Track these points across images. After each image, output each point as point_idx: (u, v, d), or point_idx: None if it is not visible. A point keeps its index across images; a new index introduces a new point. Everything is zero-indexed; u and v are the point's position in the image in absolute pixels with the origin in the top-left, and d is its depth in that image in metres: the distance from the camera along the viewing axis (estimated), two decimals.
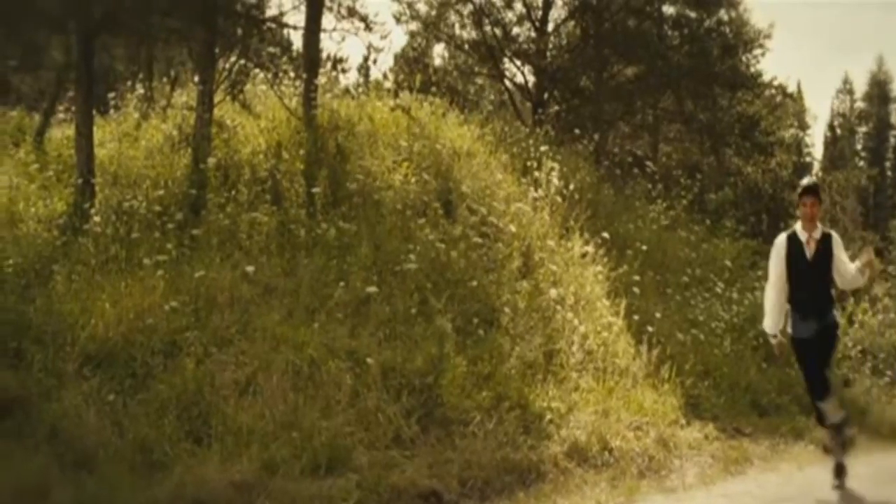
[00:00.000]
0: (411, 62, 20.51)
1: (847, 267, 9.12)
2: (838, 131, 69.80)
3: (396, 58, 20.65)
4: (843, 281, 9.26)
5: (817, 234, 9.05)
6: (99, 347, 8.93)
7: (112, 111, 15.74)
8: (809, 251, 9.01)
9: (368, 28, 14.33)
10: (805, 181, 9.39)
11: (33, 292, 9.77)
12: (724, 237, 17.67)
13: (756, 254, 17.87)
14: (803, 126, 44.51)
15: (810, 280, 9.06)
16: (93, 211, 11.49)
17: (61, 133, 14.95)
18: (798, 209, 9.29)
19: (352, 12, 14.40)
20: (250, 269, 10.20)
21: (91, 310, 9.34)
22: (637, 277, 13.32)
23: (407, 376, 9.38)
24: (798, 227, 9.15)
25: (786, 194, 23.87)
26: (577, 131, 18.57)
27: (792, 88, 32.44)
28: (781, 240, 9.22)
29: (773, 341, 9.48)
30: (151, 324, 9.19)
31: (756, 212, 20.84)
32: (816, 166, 51.43)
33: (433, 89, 16.91)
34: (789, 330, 9.22)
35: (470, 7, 21.27)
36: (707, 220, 17.78)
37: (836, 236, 9.21)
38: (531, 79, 22.61)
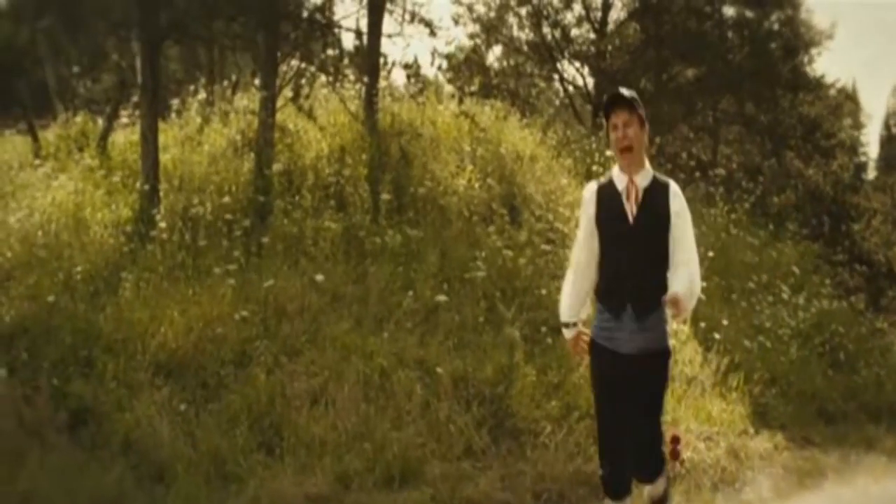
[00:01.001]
0: (471, 65, 20.42)
1: (689, 254, 5.79)
2: (894, 130, 68.95)
3: (450, 58, 20.52)
4: (679, 277, 5.65)
5: (643, 181, 5.86)
6: (169, 357, 8.93)
7: (174, 115, 15.75)
8: (630, 207, 5.82)
9: (433, 33, 14.25)
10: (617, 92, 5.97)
11: (102, 300, 9.77)
12: (786, 240, 17.42)
13: (819, 258, 17.67)
14: (858, 125, 43.96)
15: (631, 256, 5.81)
16: (158, 217, 11.50)
17: (124, 138, 14.96)
18: (608, 136, 5.96)
19: (415, 17, 14.32)
20: (319, 277, 10.13)
21: (160, 318, 9.33)
22: (708, 285, 13.14)
23: (477, 386, 9.28)
24: (615, 170, 5.96)
25: (847, 196, 23.58)
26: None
27: (847, 86, 32.10)
28: (590, 191, 6.00)
29: (566, 334, 6.22)
30: (221, 333, 9.16)
31: (817, 214, 20.54)
32: (871, 165, 50.68)
33: (493, 92, 16.78)
34: (595, 334, 6.11)
35: (528, 8, 21.11)
36: (769, 224, 17.52)
37: (676, 189, 5.91)
38: (590, 81, 22.49)
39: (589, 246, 5.98)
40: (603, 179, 5.98)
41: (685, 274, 5.63)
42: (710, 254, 14.07)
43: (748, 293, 14.43)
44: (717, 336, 12.14)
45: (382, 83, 15.05)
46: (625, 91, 5.83)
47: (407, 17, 14.06)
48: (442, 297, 10.33)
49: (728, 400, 11.24)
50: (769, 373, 12.37)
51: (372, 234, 11.60)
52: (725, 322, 12.77)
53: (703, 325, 12.31)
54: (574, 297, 6.11)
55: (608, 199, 5.85)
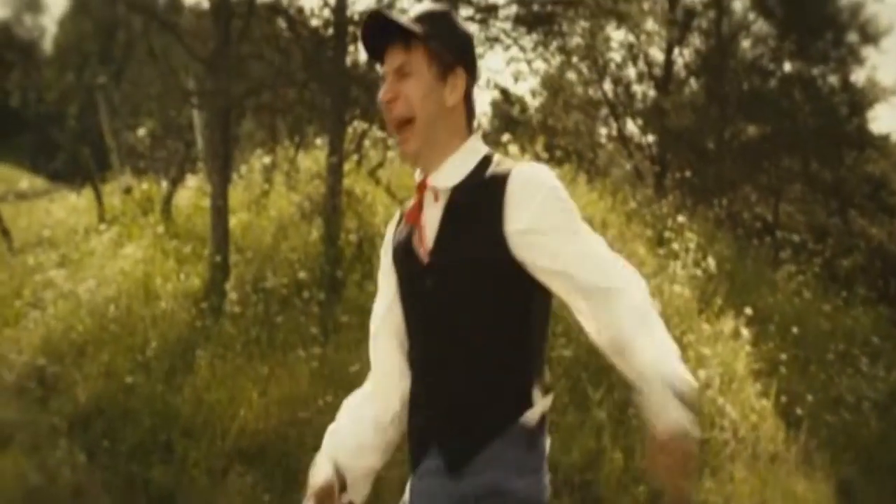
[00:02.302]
0: (536, 124, 20.22)
1: (604, 270, 2.82)
2: None
3: (514, 119, 20.32)
4: (621, 325, 2.77)
5: (446, 180, 2.97)
6: (250, 442, 8.70)
7: (236, 176, 15.60)
8: (420, 237, 2.99)
9: (508, 101, 14.06)
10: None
11: (178, 379, 9.56)
12: (857, 305, 17.05)
13: (893, 323, 17.29)
14: None
15: (430, 337, 3.00)
16: (228, 287, 11.30)
17: (187, 200, 14.82)
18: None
19: (489, 82, 14.14)
20: None
21: (239, 399, 9.11)
22: (783, 356, 12.82)
23: (565, 471, 9.01)
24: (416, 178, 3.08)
25: None
26: (707, 196, 18.18)
27: None
28: (393, 221, 3.26)
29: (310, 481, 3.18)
30: (304, 417, 8.90)
31: (884, 275, 20.15)
32: None
33: (558, 153, 16.55)
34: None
35: (589, 63, 20.93)
36: (841, 289, 17.15)
37: (528, 177, 2.88)
38: (653, 139, 22.23)
39: (389, 327, 3.20)
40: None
41: (625, 310, 2.75)
42: (786, 323, 13.80)
43: (826, 364, 14.08)
44: (799, 411, 11.89)
45: None
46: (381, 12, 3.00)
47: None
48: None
49: (813, 479, 10.97)
50: (851, 448, 12.11)
51: None
52: (808, 396, 12.46)
53: (783, 399, 12.04)
54: (355, 421, 3.38)
55: (401, 230, 3.13)
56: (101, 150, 19.15)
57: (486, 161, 2.99)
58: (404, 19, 2.97)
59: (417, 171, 3.06)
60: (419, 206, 3.00)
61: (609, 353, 2.92)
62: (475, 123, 3.10)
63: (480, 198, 2.88)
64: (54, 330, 10.73)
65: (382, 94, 2.97)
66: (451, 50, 2.99)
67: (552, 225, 2.81)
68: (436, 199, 2.96)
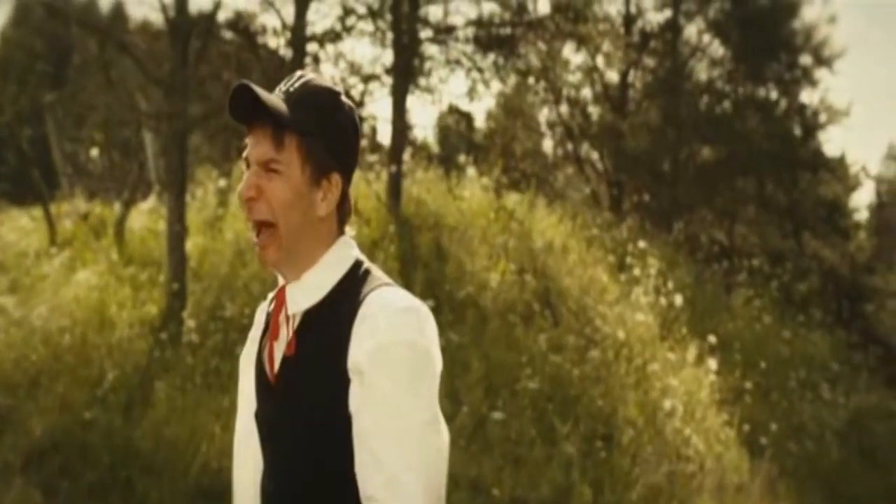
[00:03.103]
0: (492, 147, 20.02)
1: (393, 475, 2.22)
2: (883, 197, 68.96)
3: (470, 141, 20.09)
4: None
5: (304, 298, 2.46)
6: (213, 479, 8.44)
7: (189, 198, 15.31)
8: (269, 357, 2.51)
9: (470, 126, 13.90)
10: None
11: (137, 412, 9.29)
12: (814, 329, 17.05)
13: (851, 347, 17.34)
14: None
15: (265, 444, 2.55)
16: (185, 315, 11.03)
17: (140, 223, 14.51)
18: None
19: (451, 108, 13.99)
20: None
21: (200, 434, 8.85)
22: (748, 384, 12.76)
23: None
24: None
25: (864, 280, 23.27)
26: (665, 220, 18.13)
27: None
28: (257, 319, 2.70)
29: None
30: None
31: (837, 298, 20.22)
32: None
33: (516, 175, 16.43)
34: None
35: (544, 83, 20.83)
36: (797, 313, 17.14)
37: (381, 311, 2.31)
38: (609, 161, 22.14)
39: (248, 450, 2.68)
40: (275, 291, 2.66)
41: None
42: (746, 349, 13.75)
43: (788, 391, 14.04)
44: (763, 440, 11.84)
45: (404, 167, 14.67)
46: (288, 81, 2.50)
47: (436, 102, 13.65)
48: (497, 414, 9.84)
49: None
50: (813, 477, 12.10)
51: None
52: (770, 424, 12.40)
53: (746, 427, 11.97)
54: None
55: (261, 331, 2.69)
56: (49, 169, 18.76)
57: (348, 277, 2.49)
58: (277, 100, 2.40)
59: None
60: (276, 319, 2.53)
61: None
62: (346, 227, 2.56)
63: (331, 323, 2.42)
64: (6, 359, 10.40)
65: (243, 187, 2.41)
66: (331, 150, 2.45)
67: (379, 375, 2.29)
68: (287, 318, 2.49)
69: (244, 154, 2.44)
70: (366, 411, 2.27)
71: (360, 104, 13.79)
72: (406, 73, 14.35)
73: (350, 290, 2.44)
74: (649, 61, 23.17)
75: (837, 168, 24.60)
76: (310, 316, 2.45)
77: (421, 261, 12.80)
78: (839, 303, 19.64)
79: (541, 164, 22.30)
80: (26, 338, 10.78)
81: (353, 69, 13.74)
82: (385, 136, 16.92)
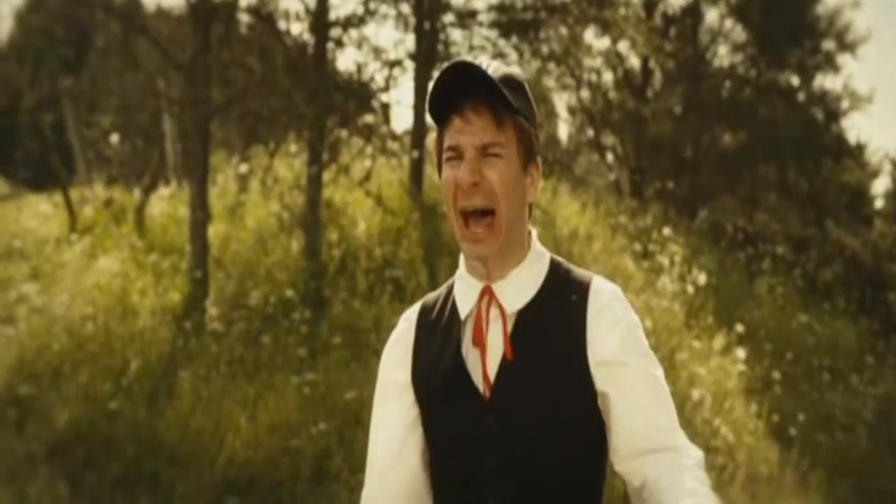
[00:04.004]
0: None
1: (676, 447, 2.31)
2: None
3: None
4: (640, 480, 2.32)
5: (517, 297, 2.37)
6: (239, 471, 8.33)
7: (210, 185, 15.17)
8: (482, 363, 2.35)
9: None
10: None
11: (161, 402, 9.17)
12: (839, 318, 16.86)
13: (876, 335, 17.15)
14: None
15: (484, 474, 2.35)
16: (208, 303, 10.92)
17: (160, 210, 14.37)
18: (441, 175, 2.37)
19: None
20: None
21: (225, 425, 8.72)
22: (776, 375, 12.60)
23: None
24: (460, 271, 2.48)
25: (887, 266, 23.04)
26: (688, 207, 17.98)
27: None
28: (403, 326, 2.53)
29: None
30: (296, 445, 8.53)
31: (860, 286, 19.99)
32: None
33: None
34: None
35: (564, 68, 20.60)
36: (821, 301, 16.97)
37: (609, 298, 2.40)
38: (630, 148, 21.93)
39: (400, 461, 2.48)
40: (434, 295, 2.57)
41: (685, 483, 2.24)
42: (773, 337, 13.61)
43: (815, 381, 13.88)
44: (792, 431, 11.70)
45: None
46: (482, 62, 2.33)
47: None
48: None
49: (808, 501, 10.80)
50: (843, 467, 11.95)
51: None
52: (799, 415, 12.24)
53: (775, 418, 11.83)
54: None
55: (438, 341, 2.45)
56: (67, 155, 18.65)
57: (553, 272, 2.43)
58: (489, 69, 2.29)
59: (467, 265, 2.44)
60: (483, 322, 2.36)
61: None
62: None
63: (556, 320, 2.35)
64: (28, 348, 10.30)
65: (466, 173, 2.27)
66: (535, 132, 2.40)
67: (630, 363, 2.33)
68: (501, 317, 2.35)
69: (448, 143, 2.33)
70: (633, 392, 2.31)
71: (385, 89, 13.61)
72: (429, 59, 14.19)
73: (561, 283, 2.41)
74: (670, 46, 22.97)
75: (859, 155, 24.40)
76: (525, 315, 2.37)
77: (445, 248, 12.62)
78: (862, 291, 19.39)
79: (562, 151, 22.10)
80: (48, 326, 10.68)
81: (377, 54, 13.56)
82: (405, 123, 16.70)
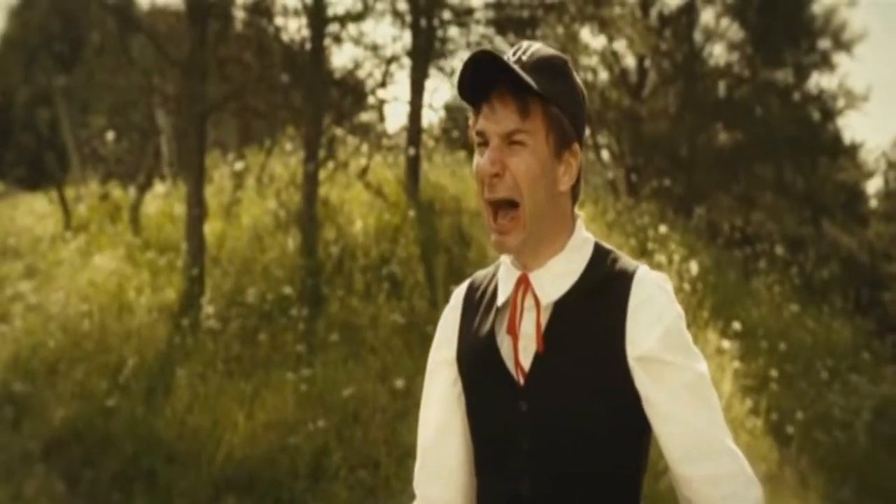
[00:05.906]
0: None
1: (722, 452, 2.26)
2: (892, 184, 68.78)
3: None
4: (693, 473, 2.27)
5: (554, 287, 2.30)
6: (237, 469, 8.29)
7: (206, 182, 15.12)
8: (515, 350, 2.32)
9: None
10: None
11: (158, 400, 9.13)
12: (835, 317, 16.86)
13: (872, 335, 17.15)
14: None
15: (516, 461, 2.34)
16: (204, 301, 10.87)
17: (155, 207, 14.32)
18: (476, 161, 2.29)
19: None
20: (399, 383, 9.40)
21: (223, 422, 8.69)
22: (774, 373, 12.57)
23: None
24: (505, 258, 2.38)
25: (883, 265, 23.11)
26: (685, 205, 17.97)
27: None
28: (454, 303, 2.52)
29: None
30: (294, 443, 8.49)
31: (856, 285, 20.01)
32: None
33: None
34: None
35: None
36: (818, 300, 16.96)
37: (652, 289, 2.28)
38: (626, 147, 21.94)
39: (443, 439, 2.49)
40: (483, 273, 2.55)
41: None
42: (771, 336, 13.58)
43: (813, 379, 13.87)
44: (789, 430, 11.69)
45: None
46: (521, 45, 2.33)
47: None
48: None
49: (809, 501, 10.78)
50: (843, 467, 11.94)
51: (435, 323, 10.92)
52: (797, 413, 12.22)
53: (773, 416, 11.81)
54: None
55: (479, 323, 2.44)
56: (62, 153, 18.61)
57: (595, 260, 2.36)
58: (520, 69, 2.22)
59: (510, 263, 2.38)
60: (517, 311, 2.33)
61: None
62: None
63: (595, 311, 2.30)
64: (24, 346, 10.26)
65: (486, 163, 2.24)
66: (571, 119, 2.29)
67: (675, 356, 2.25)
68: (536, 307, 2.31)
69: (476, 128, 2.28)
70: (673, 393, 2.24)
71: (382, 85, 13.59)
72: (425, 56, 14.16)
73: (603, 273, 2.33)
74: (666, 45, 22.97)
75: (855, 154, 24.47)
76: (562, 305, 2.32)
77: (442, 245, 12.59)
78: (858, 290, 19.41)
79: None
80: (43, 324, 10.65)
81: (374, 50, 13.55)
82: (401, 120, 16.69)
